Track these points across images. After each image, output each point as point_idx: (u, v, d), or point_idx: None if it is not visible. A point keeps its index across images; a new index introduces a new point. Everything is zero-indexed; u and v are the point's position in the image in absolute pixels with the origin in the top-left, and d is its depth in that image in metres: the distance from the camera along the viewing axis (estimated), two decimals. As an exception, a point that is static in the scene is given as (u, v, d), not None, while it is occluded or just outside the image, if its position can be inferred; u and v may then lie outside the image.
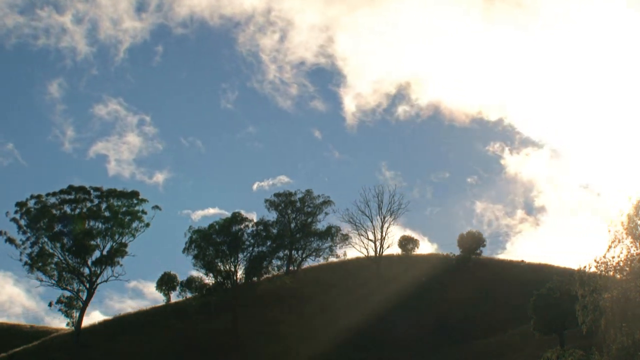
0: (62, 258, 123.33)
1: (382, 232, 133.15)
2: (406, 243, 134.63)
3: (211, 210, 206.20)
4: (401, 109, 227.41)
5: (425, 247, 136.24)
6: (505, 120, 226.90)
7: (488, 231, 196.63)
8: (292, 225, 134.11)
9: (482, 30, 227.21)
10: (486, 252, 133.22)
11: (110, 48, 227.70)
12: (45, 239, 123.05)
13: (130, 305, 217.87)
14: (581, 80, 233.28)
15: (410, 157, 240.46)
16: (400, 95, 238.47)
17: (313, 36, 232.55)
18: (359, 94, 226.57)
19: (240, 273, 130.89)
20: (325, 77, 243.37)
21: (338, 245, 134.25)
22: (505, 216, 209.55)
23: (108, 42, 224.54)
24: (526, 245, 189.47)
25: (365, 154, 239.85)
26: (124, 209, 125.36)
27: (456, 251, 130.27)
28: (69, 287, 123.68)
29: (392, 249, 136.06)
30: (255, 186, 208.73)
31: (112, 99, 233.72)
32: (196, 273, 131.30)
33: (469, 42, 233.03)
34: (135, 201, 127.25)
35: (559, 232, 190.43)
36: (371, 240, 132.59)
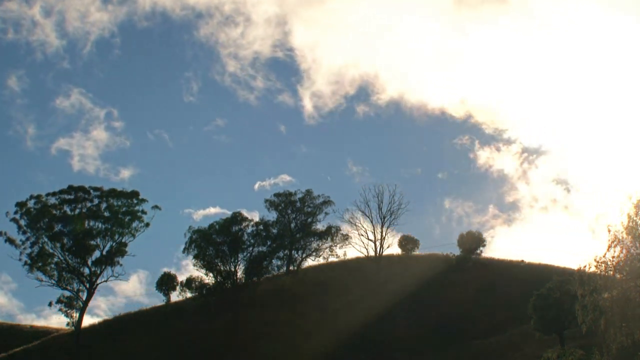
0: (62, 258, 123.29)
1: (382, 232, 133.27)
2: (406, 243, 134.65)
3: (212, 210, 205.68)
4: (363, 105, 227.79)
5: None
6: (471, 116, 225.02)
7: (458, 230, 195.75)
8: (292, 225, 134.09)
9: (445, 25, 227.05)
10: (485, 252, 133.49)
11: (78, 41, 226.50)
12: (45, 239, 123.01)
13: (130, 305, 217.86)
14: (549, 74, 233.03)
15: (375, 153, 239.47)
16: (361, 91, 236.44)
17: (271, 29, 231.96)
18: (319, 89, 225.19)
19: (240, 273, 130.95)
20: (284, 71, 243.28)
21: (338, 245, 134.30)
22: (475, 213, 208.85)
23: (76, 34, 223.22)
24: (500, 243, 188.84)
25: (330, 149, 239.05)
26: (124, 208, 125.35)
27: (455, 251, 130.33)
28: (69, 287, 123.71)
29: (392, 249, 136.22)
30: (257, 186, 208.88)
31: (77, 92, 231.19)
32: (196, 273, 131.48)
33: (433, 37, 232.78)
34: (135, 201, 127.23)
35: (532, 229, 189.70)
36: (371, 240, 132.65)
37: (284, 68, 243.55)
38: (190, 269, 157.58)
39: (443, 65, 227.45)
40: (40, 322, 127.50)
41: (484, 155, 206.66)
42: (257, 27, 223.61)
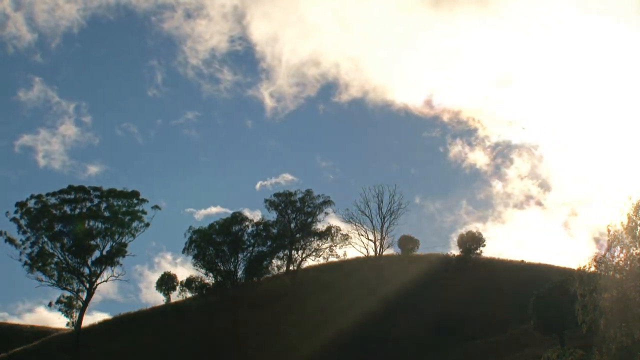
0: (62, 258, 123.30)
1: (382, 232, 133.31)
2: (406, 243, 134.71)
3: (213, 209, 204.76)
4: (328, 99, 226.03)
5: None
6: (439, 112, 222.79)
7: (429, 227, 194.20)
8: (292, 225, 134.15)
9: (411, 19, 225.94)
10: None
11: (47, 34, 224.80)
12: (45, 239, 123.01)
13: (130, 305, 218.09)
14: (522, 69, 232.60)
15: (344, 149, 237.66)
16: (324, 88, 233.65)
17: (228, 24, 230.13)
18: (282, 83, 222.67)
19: (240, 273, 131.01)
20: (247, 64, 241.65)
21: (338, 245, 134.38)
22: (447, 210, 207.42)
23: (45, 27, 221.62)
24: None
25: (297, 144, 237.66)
26: (124, 208, 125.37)
27: (454, 250, 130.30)
28: (69, 287, 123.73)
29: (392, 248, 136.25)
30: (258, 185, 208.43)
31: (43, 86, 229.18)
32: (196, 273, 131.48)
33: (399, 32, 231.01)
34: (135, 201, 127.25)
35: (506, 225, 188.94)
36: (371, 240, 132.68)
37: (245, 62, 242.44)
38: (190, 269, 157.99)
39: (409, 61, 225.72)
40: (40, 322, 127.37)
41: (456, 151, 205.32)
42: (216, 20, 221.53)
